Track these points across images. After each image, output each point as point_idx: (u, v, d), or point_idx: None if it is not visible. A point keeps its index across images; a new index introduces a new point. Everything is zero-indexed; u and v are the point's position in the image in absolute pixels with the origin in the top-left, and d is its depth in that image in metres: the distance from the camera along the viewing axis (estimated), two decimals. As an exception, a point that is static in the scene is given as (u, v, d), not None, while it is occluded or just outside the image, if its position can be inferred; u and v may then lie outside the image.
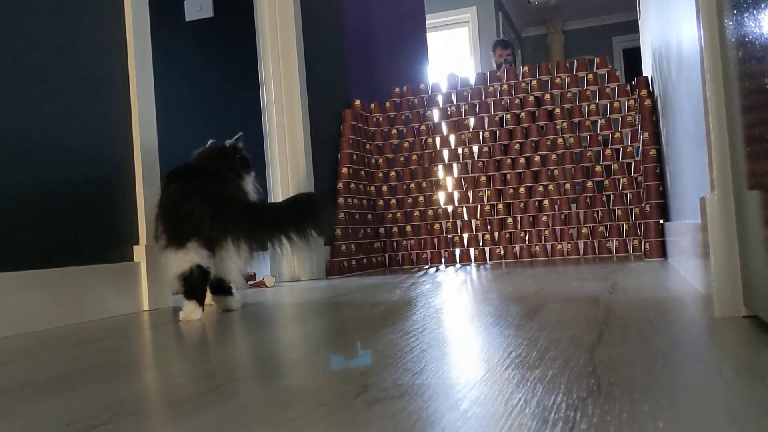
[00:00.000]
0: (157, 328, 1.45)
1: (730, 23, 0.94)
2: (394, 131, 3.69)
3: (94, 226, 1.81)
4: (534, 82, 3.47)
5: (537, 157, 3.38)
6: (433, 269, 3.12)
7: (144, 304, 1.94)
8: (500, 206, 3.42)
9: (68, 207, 1.74)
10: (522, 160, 3.40)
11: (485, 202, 3.45)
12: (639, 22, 3.78)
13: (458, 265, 3.26)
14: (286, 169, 3.04)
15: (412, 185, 3.59)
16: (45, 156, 1.68)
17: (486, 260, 3.41)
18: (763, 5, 0.73)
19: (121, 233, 1.91)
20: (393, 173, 3.65)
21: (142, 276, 1.94)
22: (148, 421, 0.65)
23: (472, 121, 3.56)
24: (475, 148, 3.53)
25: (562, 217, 3.30)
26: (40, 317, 1.59)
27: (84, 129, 1.81)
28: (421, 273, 2.92)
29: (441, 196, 3.54)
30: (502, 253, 3.37)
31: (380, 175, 3.68)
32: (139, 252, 1.95)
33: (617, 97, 3.33)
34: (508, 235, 3.38)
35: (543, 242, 3.30)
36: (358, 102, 3.59)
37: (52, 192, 1.70)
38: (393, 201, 3.62)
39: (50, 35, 1.73)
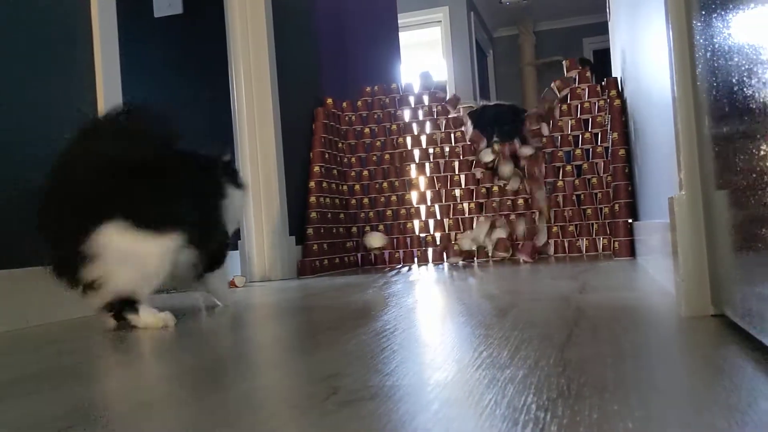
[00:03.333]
0: (123, 330, 1.43)
1: (699, 24, 0.95)
2: (367, 130, 3.68)
3: (59, 225, 1.77)
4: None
5: (508, 157, 3.39)
6: (406, 268, 3.12)
7: (111, 305, 1.90)
8: (472, 205, 3.43)
9: (27, 207, 1.70)
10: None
11: (458, 201, 3.46)
12: (609, 23, 3.82)
13: (431, 264, 3.26)
14: (257, 168, 3.01)
15: (385, 184, 3.58)
16: (3, 155, 1.64)
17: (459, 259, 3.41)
18: (730, 6, 0.74)
19: (88, 233, 1.87)
20: (365, 172, 3.64)
21: (110, 276, 1.90)
22: (113, 425, 0.63)
23: (444, 121, 3.57)
24: (447, 148, 3.53)
25: (534, 216, 3.32)
26: (0, 319, 1.55)
27: (48, 127, 1.77)
28: (394, 272, 2.91)
29: (413, 196, 3.54)
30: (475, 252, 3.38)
31: (353, 174, 3.67)
32: (106, 252, 1.91)
33: (588, 97, 3.36)
34: (479, 235, 3.38)
35: (515, 241, 3.32)
36: (330, 100, 3.57)
37: (10, 192, 1.66)
38: (365, 200, 3.61)
39: (10, 30, 1.69)
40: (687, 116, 1.05)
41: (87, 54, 1.93)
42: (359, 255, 3.60)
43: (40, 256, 1.39)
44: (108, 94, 1.97)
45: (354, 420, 0.59)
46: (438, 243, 3.45)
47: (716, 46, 0.84)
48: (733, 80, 0.76)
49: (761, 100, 0.64)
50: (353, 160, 3.68)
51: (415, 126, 3.61)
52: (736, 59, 0.74)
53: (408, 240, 3.48)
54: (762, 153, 0.65)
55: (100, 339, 1.31)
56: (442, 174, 3.52)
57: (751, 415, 0.52)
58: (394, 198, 3.55)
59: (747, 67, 0.69)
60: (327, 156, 3.43)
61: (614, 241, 2.85)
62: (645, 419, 0.53)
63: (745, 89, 0.70)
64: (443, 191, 3.49)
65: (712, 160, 0.93)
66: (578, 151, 3.32)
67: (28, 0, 1.74)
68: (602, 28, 4.49)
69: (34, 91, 1.74)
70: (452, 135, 3.53)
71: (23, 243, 1.65)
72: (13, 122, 1.67)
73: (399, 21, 5.69)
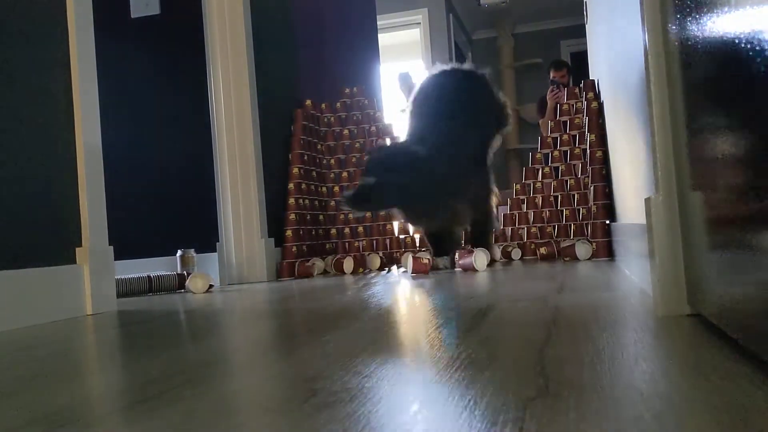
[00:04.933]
0: (100, 333, 1.41)
1: (674, 27, 0.96)
2: (346, 132, 3.68)
3: (33, 227, 1.75)
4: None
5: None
6: (385, 270, 3.12)
7: (87, 308, 1.88)
8: (451, 207, 3.44)
9: (6, 209, 1.68)
10: (472, 161, 3.42)
11: (436, 203, 3.46)
12: (586, 26, 3.86)
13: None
14: (235, 170, 3.00)
15: (364, 186, 3.57)
16: (-19, 155, 1.62)
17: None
18: (705, 10, 0.75)
19: (63, 235, 1.85)
20: (345, 174, 3.64)
21: (85, 279, 1.88)
22: (90, 429, 0.62)
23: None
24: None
25: (513, 217, 3.34)
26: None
27: (23, 127, 1.75)
28: (373, 274, 2.91)
29: (392, 197, 3.54)
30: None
31: (332, 175, 3.66)
32: (81, 254, 1.89)
33: (566, 99, 3.39)
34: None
35: (494, 242, 3.33)
36: (309, 102, 3.56)
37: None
38: (344, 202, 3.60)
39: (-13, 29, 1.66)
40: (662, 118, 1.06)
41: (63, 62, 1.91)
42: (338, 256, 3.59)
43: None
44: (84, 94, 1.94)
45: (332, 422, 0.58)
46: (417, 244, 3.46)
47: (691, 48, 0.85)
48: (708, 82, 0.76)
49: (734, 102, 0.65)
50: (332, 161, 3.67)
51: (394, 127, 3.61)
52: (709, 62, 0.75)
53: (387, 242, 3.48)
54: (735, 155, 0.66)
55: (79, 341, 1.30)
56: (422, 175, 3.52)
57: (728, 412, 0.52)
58: (373, 199, 3.54)
59: (720, 70, 0.70)
60: (306, 158, 3.42)
61: (592, 242, 2.88)
62: (622, 417, 0.53)
63: (718, 92, 0.71)
64: (422, 193, 3.49)
65: (687, 161, 0.94)
66: (556, 153, 3.34)
67: (1, -1, 1.71)
68: (579, 31, 4.53)
69: (3, 100, 1.72)
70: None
71: (20, 244, 1.63)
72: (-14, 123, 1.65)
73: (378, 23, 5.70)
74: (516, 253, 3.21)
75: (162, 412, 0.67)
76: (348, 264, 3.11)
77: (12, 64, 1.73)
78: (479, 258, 2.53)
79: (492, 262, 2.93)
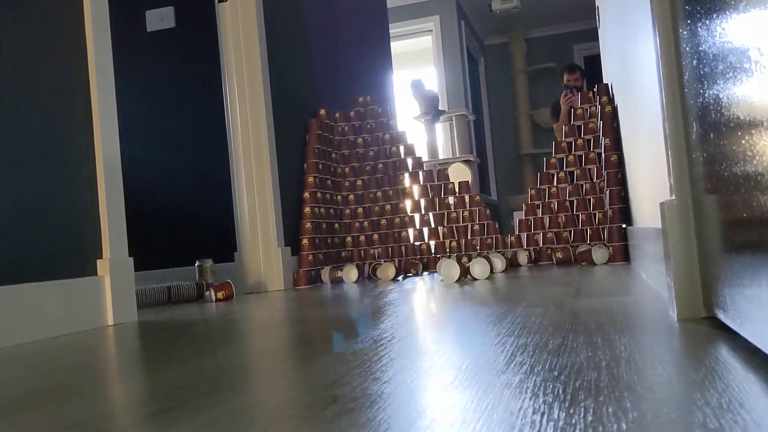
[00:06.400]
0: (122, 343, 1.43)
1: (685, 32, 0.97)
2: (360, 140, 3.70)
3: (54, 240, 1.78)
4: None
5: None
6: (401, 277, 3.13)
7: (109, 319, 1.91)
8: (466, 213, 3.45)
9: (29, 222, 1.71)
10: (487, 167, 3.43)
11: (452, 210, 3.48)
12: (599, 30, 3.86)
13: (425, 273, 3.27)
14: (251, 180, 3.02)
15: (379, 194, 3.59)
16: (2, 170, 1.65)
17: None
18: (715, 15, 0.76)
19: (84, 247, 1.88)
20: (359, 182, 3.66)
21: (107, 290, 1.91)
22: (114, 439, 0.64)
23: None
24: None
25: (528, 222, 3.34)
26: (0, 335, 1.55)
27: (44, 142, 1.78)
28: (389, 281, 2.92)
29: (407, 204, 3.55)
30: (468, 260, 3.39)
31: (346, 183, 3.68)
32: (103, 266, 1.92)
33: (580, 104, 3.39)
34: (475, 242, 3.40)
35: (509, 248, 3.34)
36: (323, 111, 3.59)
37: (9, 206, 1.66)
38: (360, 210, 3.62)
39: (3, 47, 1.70)
40: (675, 122, 1.06)
41: (82, 77, 1.94)
42: (354, 264, 3.61)
43: None
44: (102, 107, 1.98)
45: (353, 427, 0.60)
46: (433, 251, 3.46)
47: (702, 53, 0.85)
48: (719, 85, 0.77)
49: (746, 105, 0.66)
50: (347, 170, 3.69)
51: (408, 134, 3.62)
52: (721, 66, 0.75)
53: (402, 249, 3.49)
54: (748, 157, 0.67)
55: (102, 351, 1.32)
56: (436, 183, 3.53)
57: (742, 415, 0.53)
58: (388, 207, 3.56)
59: (731, 73, 0.71)
60: (321, 166, 3.45)
61: (608, 246, 2.87)
62: (638, 420, 0.54)
63: (731, 95, 0.72)
64: (437, 199, 3.51)
65: (701, 165, 0.94)
66: (571, 157, 3.34)
67: (22, 15, 1.75)
68: (592, 35, 4.53)
69: (26, 116, 1.75)
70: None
71: (43, 257, 1.66)
72: (11, 143, 1.68)
73: (390, 31, 5.72)
74: (522, 258, 3.20)
75: (186, 421, 0.68)
76: (388, 270, 3.06)
77: (32, 79, 1.76)
78: (476, 268, 2.49)
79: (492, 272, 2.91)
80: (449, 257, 3.30)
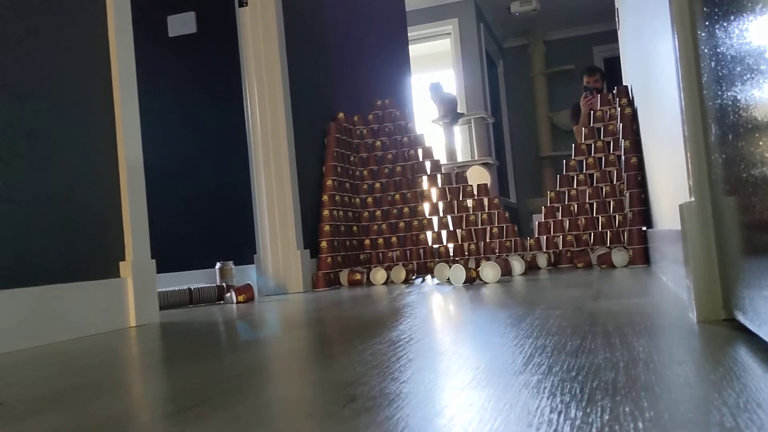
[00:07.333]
0: (144, 344, 1.45)
1: (704, 34, 0.97)
2: (378, 143, 3.71)
3: (78, 243, 1.81)
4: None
5: (520, 167, 3.40)
6: (419, 279, 3.14)
7: (131, 320, 1.94)
8: (484, 215, 3.44)
9: (52, 224, 1.74)
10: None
11: (470, 212, 3.48)
12: (618, 32, 3.84)
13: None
14: (271, 183, 3.05)
15: (397, 196, 3.60)
16: (26, 171, 1.68)
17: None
18: (733, 17, 0.76)
19: (108, 249, 1.91)
20: (377, 185, 3.67)
21: (129, 292, 1.94)
22: (138, 435, 0.65)
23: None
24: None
25: (547, 225, 3.33)
26: (24, 335, 1.58)
27: (68, 144, 1.81)
28: (407, 283, 2.93)
29: (426, 207, 3.56)
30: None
31: (365, 186, 3.69)
32: (125, 268, 1.94)
33: (600, 106, 3.37)
34: (493, 245, 3.40)
35: (529, 250, 3.33)
36: (341, 115, 3.61)
37: (35, 209, 1.69)
38: (378, 212, 3.64)
39: (32, 51, 1.73)
40: (694, 124, 1.06)
41: (105, 81, 1.98)
42: (373, 267, 3.62)
43: None
44: (126, 111, 2.01)
45: (371, 426, 0.60)
46: (451, 254, 3.46)
47: (721, 55, 0.85)
48: (738, 87, 0.77)
49: (763, 107, 0.66)
50: (365, 173, 3.71)
51: (426, 136, 3.63)
52: (738, 68, 0.75)
53: (421, 251, 3.50)
54: (766, 159, 0.67)
55: (124, 352, 1.34)
56: (455, 186, 3.54)
57: (759, 414, 0.53)
58: (406, 210, 3.57)
59: (749, 75, 0.71)
60: (339, 169, 3.47)
61: (629, 249, 2.86)
62: (655, 419, 0.54)
63: (749, 97, 0.72)
64: (455, 202, 3.51)
65: (720, 166, 0.94)
66: (591, 160, 3.32)
67: (46, 21, 1.78)
68: (612, 37, 4.50)
69: (50, 119, 1.78)
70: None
71: (66, 258, 1.69)
72: (35, 145, 1.71)
73: (409, 34, 5.74)
74: (542, 261, 3.19)
75: (207, 419, 0.69)
76: (399, 273, 3.07)
77: (56, 83, 1.79)
78: (486, 271, 2.49)
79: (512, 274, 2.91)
80: (446, 261, 3.30)
